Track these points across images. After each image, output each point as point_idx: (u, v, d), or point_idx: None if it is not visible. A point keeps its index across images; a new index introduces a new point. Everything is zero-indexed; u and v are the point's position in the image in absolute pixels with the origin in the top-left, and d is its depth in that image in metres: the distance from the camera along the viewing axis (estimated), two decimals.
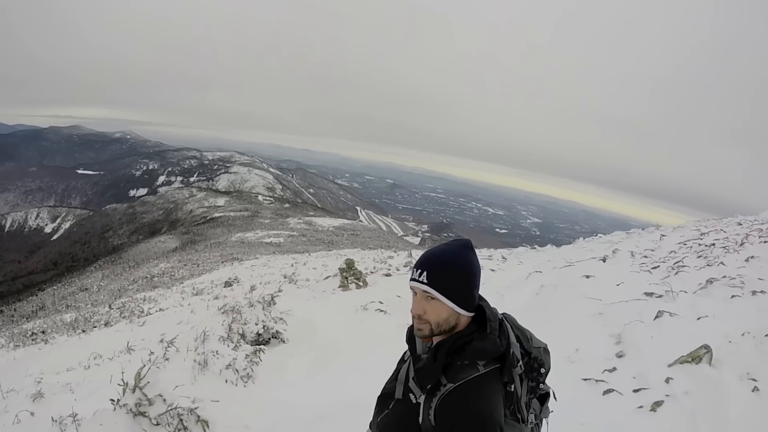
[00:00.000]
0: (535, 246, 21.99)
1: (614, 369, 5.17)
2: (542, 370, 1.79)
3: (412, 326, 1.75)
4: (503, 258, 16.98)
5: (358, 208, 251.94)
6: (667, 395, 4.16)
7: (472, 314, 1.65)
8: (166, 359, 6.35)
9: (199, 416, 3.81)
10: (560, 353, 6.02)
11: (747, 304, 6.83)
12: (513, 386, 1.60)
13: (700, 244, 12.64)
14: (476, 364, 1.56)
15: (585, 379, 5.04)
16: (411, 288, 1.67)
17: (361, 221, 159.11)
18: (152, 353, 7.42)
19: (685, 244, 13.26)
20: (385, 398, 1.81)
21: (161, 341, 8.74)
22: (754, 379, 4.10)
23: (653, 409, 3.97)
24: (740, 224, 16.09)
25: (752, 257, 9.69)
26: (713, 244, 12.01)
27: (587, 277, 9.73)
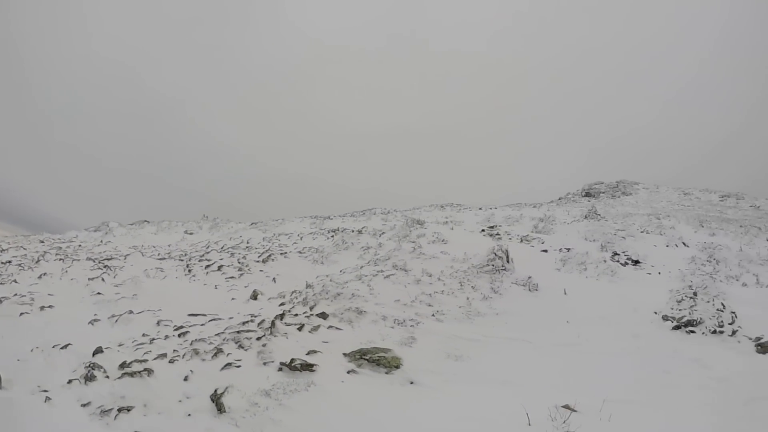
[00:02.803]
0: None
1: None
2: None
3: None
4: None
5: None
6: None
7: None
8: None
9: None
10: None
11: (35, 318, 7.72)
12: None
13: None
14: None
15: None
16: None
17: None
18: None
19: None
20: None
21: None
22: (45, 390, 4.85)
23: None
24: (42, 242, 17.71)
25: (45, 274, 10.86)
26: (10, 261, 12.50)
27: None
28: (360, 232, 22.53)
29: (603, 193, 66.31)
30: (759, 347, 9.08)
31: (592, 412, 5.85)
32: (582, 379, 7.26)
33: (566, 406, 5.91)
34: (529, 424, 5.35)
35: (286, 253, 16.84)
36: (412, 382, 6.83)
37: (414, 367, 7.29)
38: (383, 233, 21.60)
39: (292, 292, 11.35)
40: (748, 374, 7.87)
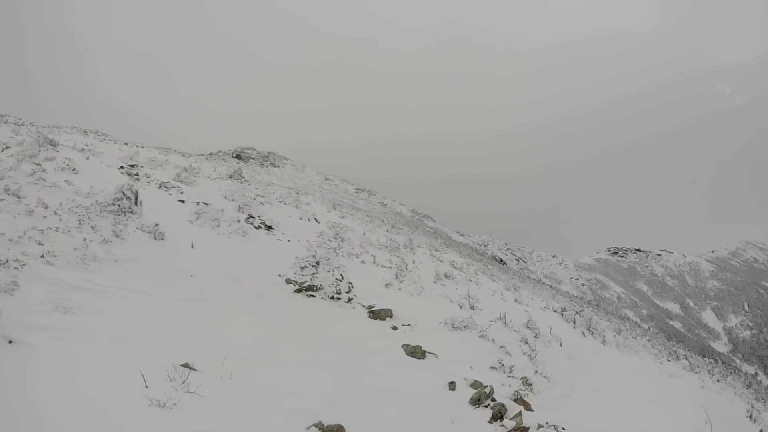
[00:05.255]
0: None
1: None
2: None
3: None
4: None
5: None
6: None
7: None
8: None
9: None
10: None
11: None
12: None
13: None
14: None
15: None
16: None
17: None
18: None
19: None
20: None
21: None
22: None
23: None
24: None
25: None
26: None
27: None
28: None
29: (253, 159, 68.96)
30: (371, 314, 10.63)
31: (213, 370, 5.68)
32: (203, 336, 7.03)
33: (186, 365, 5.60)
34: (147, 387, 4.88)
35: None
36: (11, 341, 5.55)
37: (15, 320, 5.92)
38: (8, 147, 17.79)
39: None
40: (361, 335, 9.06)
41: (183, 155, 38.61)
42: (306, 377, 6.36)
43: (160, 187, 19.36)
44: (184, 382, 4.98)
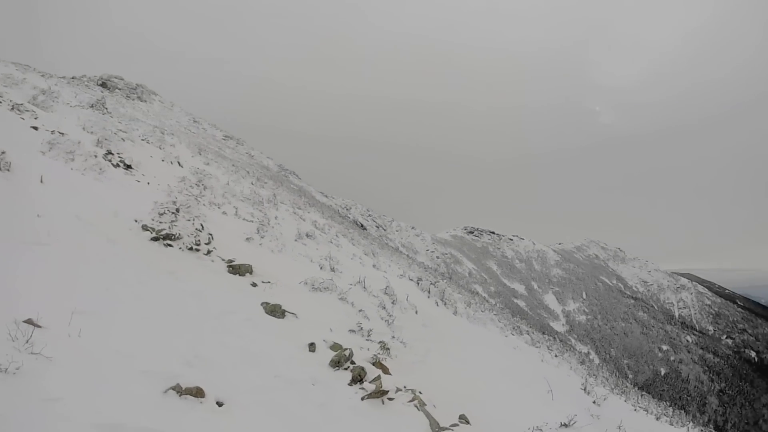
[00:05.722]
0: None
1: None
2: None
3: None
4: None
5: None
6: None
7: None
8: None
9: None
10: None
11: None
12: None
13: None
14: None
15: None
16: None
17: None
18: None
19: None
20: None
21: None
22: None
23: None
24: None
25: None
26: None
27: None
28: None
29: (120, 89, 63.07)
30: (230, 268, 10.33)
31: (60, 326, 5.13)
32: (49, 287, 6.21)
33: (30, 321, 5.03)
34: None
35: None
36: None
37: None
38: None
39: None
40: (220, 290, 8.79)
41: (43, 76, 34.50)
42: (162, 335, 6.06)
43: (13, 109, 17.19)
44: (27, 342, 4.50)
